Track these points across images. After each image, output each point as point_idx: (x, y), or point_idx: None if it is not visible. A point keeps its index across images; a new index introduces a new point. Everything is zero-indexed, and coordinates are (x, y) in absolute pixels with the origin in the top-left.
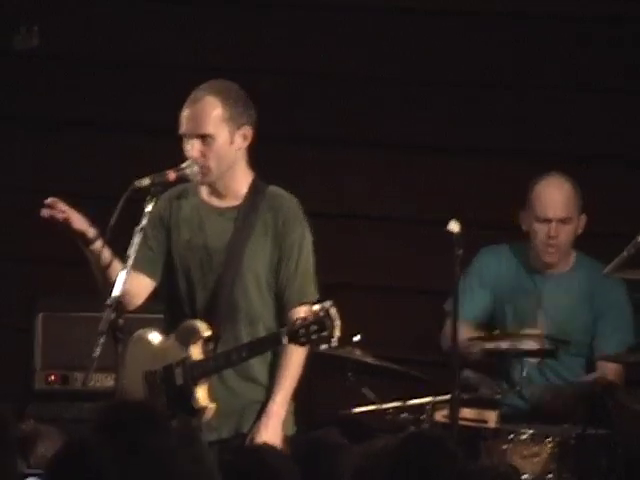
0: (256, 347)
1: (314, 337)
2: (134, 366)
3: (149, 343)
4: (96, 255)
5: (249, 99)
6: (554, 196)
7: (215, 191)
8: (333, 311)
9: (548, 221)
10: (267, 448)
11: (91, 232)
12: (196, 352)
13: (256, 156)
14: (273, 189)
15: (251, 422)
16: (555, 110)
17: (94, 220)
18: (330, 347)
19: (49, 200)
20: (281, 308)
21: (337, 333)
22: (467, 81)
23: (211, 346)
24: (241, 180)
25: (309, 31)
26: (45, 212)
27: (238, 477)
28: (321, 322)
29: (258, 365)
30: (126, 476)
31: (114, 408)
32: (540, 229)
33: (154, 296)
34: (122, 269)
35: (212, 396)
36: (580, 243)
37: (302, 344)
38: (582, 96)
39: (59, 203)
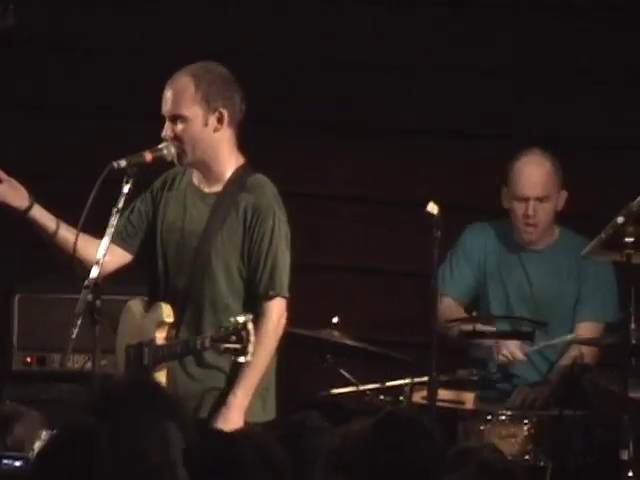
0: (188, 347)
1: (230, 347)
2: (121, 335)
3: (133, 315)
4: (35, 225)
5: (233, 82)
6: (532, 174)
7: (201, 175)
8: (250, 326)
9: (526, 200)
10: (229, 433)
11: (21, 202)
12: (160, 337)
13: (243, 140)
14: (255, 178)
15: (209, 408)
16: (540, 94)
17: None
18: (245, 359)
19: None
20: (250, 298)
21: (251, 349)
22: (446, 65)
23: (174, 332)
24: (225, 164)
25: (294, 17)
26: None
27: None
28: (239, 335)
29: (217, 354)
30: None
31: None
32: (518, 207)
33: (127, 269)
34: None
35: (170, 382)
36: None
37: (220, 353)
38: (565, 81)
39: None
